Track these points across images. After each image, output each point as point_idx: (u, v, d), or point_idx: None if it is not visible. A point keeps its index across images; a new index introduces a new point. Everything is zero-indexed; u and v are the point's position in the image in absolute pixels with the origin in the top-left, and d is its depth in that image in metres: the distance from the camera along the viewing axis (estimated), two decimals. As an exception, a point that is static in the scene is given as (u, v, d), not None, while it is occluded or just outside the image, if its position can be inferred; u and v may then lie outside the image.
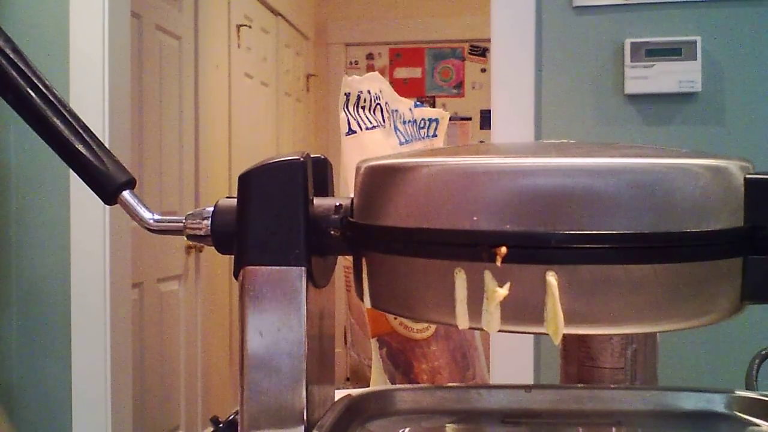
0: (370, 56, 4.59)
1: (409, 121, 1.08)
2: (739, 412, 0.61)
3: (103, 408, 2.01)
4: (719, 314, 0.45)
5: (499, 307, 0.42)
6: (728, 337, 1.57)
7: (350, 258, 0.53)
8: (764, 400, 0.61)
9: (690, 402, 0.62)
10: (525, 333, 0.43)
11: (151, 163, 2.57)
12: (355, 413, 0.61)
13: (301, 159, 0.51)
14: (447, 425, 0.63)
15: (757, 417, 0.60)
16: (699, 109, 1.66)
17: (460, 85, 4.54)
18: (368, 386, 0.90)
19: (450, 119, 1.19)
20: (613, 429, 0.62)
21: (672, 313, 0.43)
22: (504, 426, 0.61)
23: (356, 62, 4.58)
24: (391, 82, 1.07)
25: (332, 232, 0.51)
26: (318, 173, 0.54)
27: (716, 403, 0.62)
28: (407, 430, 0.61)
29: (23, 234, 2.05)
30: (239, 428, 0.51)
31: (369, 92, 0.97)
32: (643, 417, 0.62)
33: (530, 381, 1.66)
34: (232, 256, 0.52)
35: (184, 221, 0.55)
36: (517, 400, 0.63)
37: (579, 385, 0.68)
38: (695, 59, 1.63)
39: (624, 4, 1.67)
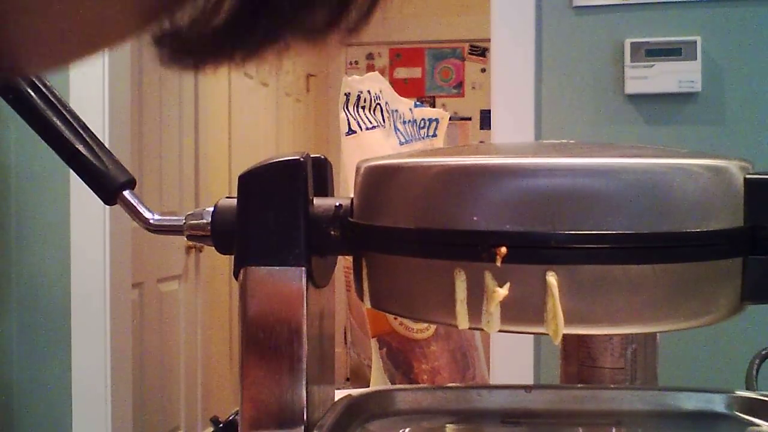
0: (370, 56, 4.59)
1: (409, 121, 1.08)
2: (740, 412, 0.61)
3: (103, 408, 2.01)
4: (719, 314, 0.45)
5: (499, 307, 0.42)
6: (728, 337, 1.57)
7: (350, 258, 0.53)
8: (764, 400, 0.61)
9: (690, 402, 0.62)
10: (525, 333, 0.43)
11: (151, 163, 2.57)
12: (355, 413, 0.60)
13: (301, 159, 0.51)
14: (447, 425, 0.63)
15: (757, 417, 0.60)
16: (699, 109, 1.66)
17: (460, 85, 4.54)
18: (368, 386, 0.90)
19: (450, 119, 1.19)
20: (613, 429, 0.62)
21: (672, 313, 0.43)
22: (504, 426, 0.61)
23: (356, 62, 4.59)
24: (391, 82, 1.07)
25: (332, 232, 0.51)
26: (318, 173, 0.54)
27: (716, 403, 0.62)
28: (407, 430, 0.61)
29: (23, 234, 2.05)
30: (239, 428, 0.51)
31: (369, 92, 0.97)
32: (644, 417, 0.62)
33: (530, 381, 1.66)
34: (232, 256, 0.52)
35: (184, 221, 0.55)
36: (517, 401, 0.63)
37: (579, 385, 0.68)
38: (695, 59, 1.63)
39: (624, 4, 1.67)
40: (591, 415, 0.62)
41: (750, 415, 0.60)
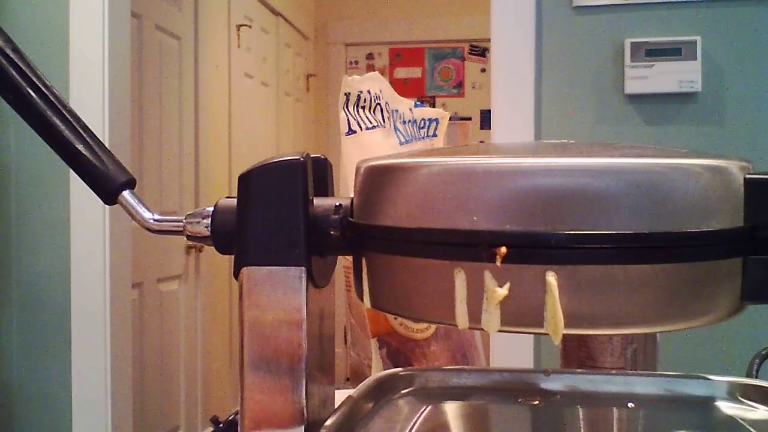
0: (370, 56, 4.59)
1: (409, 121, 1.08)
2: (743, 397, 0.64)
3: (103, 408, 2.01)
4: (719, 314, 0.45)
5: (498, 307, 0.42)
6: (728, 336, 1.57)
7: (350, 258, 0.53)
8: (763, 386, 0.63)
9: (698, 388, 0.65)
10: (525, 333, 0.43)
11: (151, 163, 2.57)
12: (385, 389, 0.65)
13: (301, 159, 0.51)
14: (467, 401, 0.66)
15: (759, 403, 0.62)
16: (699, 109, 1.66)
17: (460, 85, 4.54)
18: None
19: (450, 119, 1.19)
20: (615, 410, 0.65)
21: (672, 313, 0.43)
22: (520, 404, 0.65)
23: (356, 62, 4.59)
24: (391, 82, 1.07)
25: (332, 232, 0.51)
26: (318, 173, 0.54)
27: (720, 389, 0.65)
28: (431, 405, 0.63)
29: (23, 234, 2.05)
30: (239, 428, 0.51)
31: (369, 92, 0.97)
32: (653, 401, 0.65)
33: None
34: (232, 256, 0.52)
35: (184, 221, 0.55)
36: (535, 383, 0.66)
37: (594, 371, 0.70)
38: (695, 59, 1.63)
39: (624, 4, 1.67)
40: (603, 396, 0.65)
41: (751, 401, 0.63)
